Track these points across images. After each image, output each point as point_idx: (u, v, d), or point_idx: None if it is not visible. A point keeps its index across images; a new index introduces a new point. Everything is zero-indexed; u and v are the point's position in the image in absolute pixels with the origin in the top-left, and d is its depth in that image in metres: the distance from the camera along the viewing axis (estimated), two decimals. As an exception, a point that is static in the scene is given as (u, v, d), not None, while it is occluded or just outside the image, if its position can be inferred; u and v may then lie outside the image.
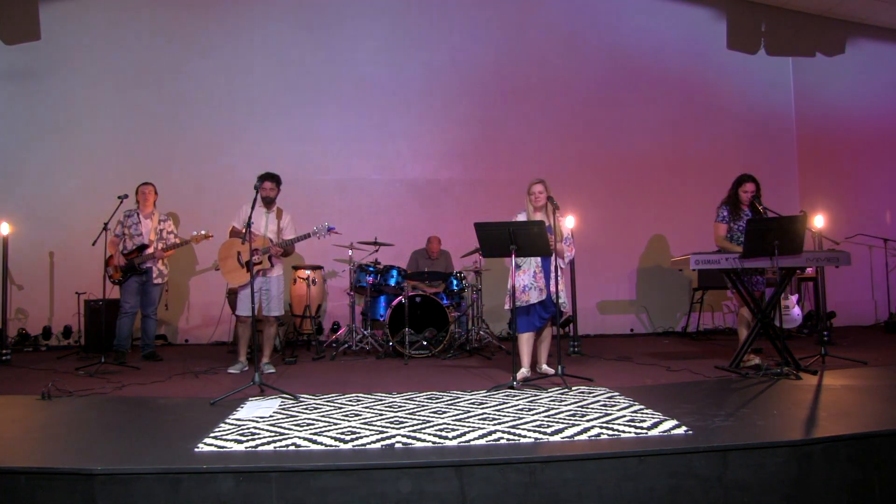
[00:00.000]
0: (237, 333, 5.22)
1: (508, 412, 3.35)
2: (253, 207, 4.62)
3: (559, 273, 4.55)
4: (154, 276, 6.03)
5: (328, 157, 7.96)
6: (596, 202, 7.90)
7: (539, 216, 4.61)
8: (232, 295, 6.57)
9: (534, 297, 4.52)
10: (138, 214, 6.05)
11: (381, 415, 3.34)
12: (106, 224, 5.62)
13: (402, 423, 3.13)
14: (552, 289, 4.53)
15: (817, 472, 2.63)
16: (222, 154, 7.71)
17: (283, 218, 5.26)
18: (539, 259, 4.54)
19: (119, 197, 5.73)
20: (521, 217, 4.67)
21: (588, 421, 3.09)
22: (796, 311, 6.30)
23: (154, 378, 4.90)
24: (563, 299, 4.57)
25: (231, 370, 5.04)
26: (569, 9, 8.37)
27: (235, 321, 5.23)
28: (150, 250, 5.94)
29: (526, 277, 4.56)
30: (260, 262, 5.00)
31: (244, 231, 4.49)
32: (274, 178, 5.18)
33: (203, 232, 5.95)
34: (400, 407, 3.55)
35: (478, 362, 5.67)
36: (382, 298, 6.67)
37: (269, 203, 5.20)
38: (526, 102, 8.25)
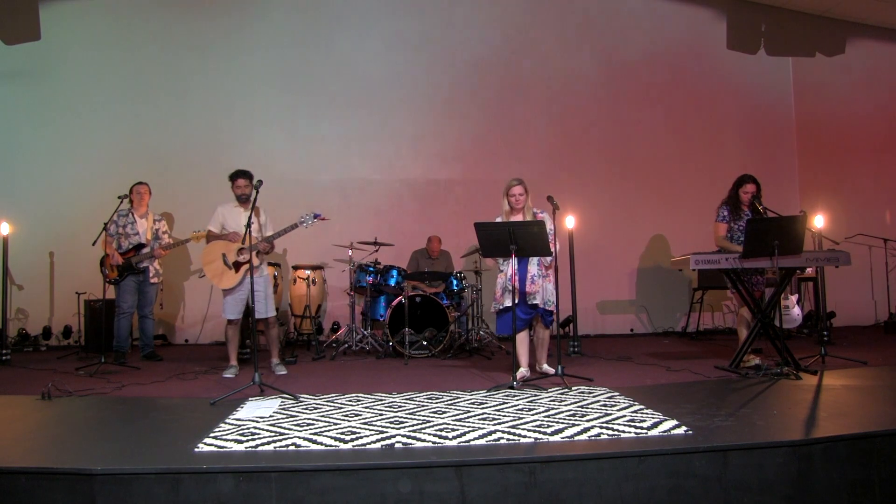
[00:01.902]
0: (227, 337, 5.16)
1: (508, 412, 3.35)
2: (252, 208, 4.61)
3: (542, 271, 4.55)
4: (151, 275, 6.03)
5: (328, 157, 7.96)
6: (596, 202, 7.90)
7: (517, 218, 4.58)
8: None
9: (508, 301, 4.51)
10: (133, 214, 6.03)
11: (381, 415, 3.34)
12: (106, 224, 5.63)
13: (402, 423, 3.13)
14: (528, 289, 4.53)
15: (817, 472, 2.63)
16: (222, 154, 7.69)
17: (261, 215, 5.19)
18: (514, 261, 4.52)
19: (119, 197, 5.75)
20: (499, 220, 4.63)
21: (588, 421, 3.09)
22: (796, 311, 6.29)
23: (154, 378, 4.90)
24: (549, 297, 4.55)
25: (225, 374, 4.96)
26: (569, 9, 8.37)
27: (225, 324, 5.17)
28: (147, 250, 5.94)
29: (504, 279, 4.58)
30: (248, 260, 4.97)
31: (246, 231, 4.46)
32: (246, 175, 5.09)
33: (203, 231, 5.95)
34: (400, 407, 3.55)
35: (478, 362, 5.66)
36: (382, 298, 6.67)
37: (244, 200, 5.10)
38: (526, 102, 8.25)
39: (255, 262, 5.00)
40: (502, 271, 4.62)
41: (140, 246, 5.95)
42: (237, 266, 4.97)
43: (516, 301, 4.47)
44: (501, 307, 4.59)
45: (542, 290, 4.56)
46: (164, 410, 3.70)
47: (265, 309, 5.07)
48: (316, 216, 4.95)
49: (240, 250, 4.95)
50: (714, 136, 8.46)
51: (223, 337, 7.21)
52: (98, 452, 2.72)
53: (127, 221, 6.00)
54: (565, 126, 8.28)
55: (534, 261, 4.55)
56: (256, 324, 4.94)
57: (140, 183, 6.16)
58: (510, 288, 4.47)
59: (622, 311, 8.21)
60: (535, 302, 4.53)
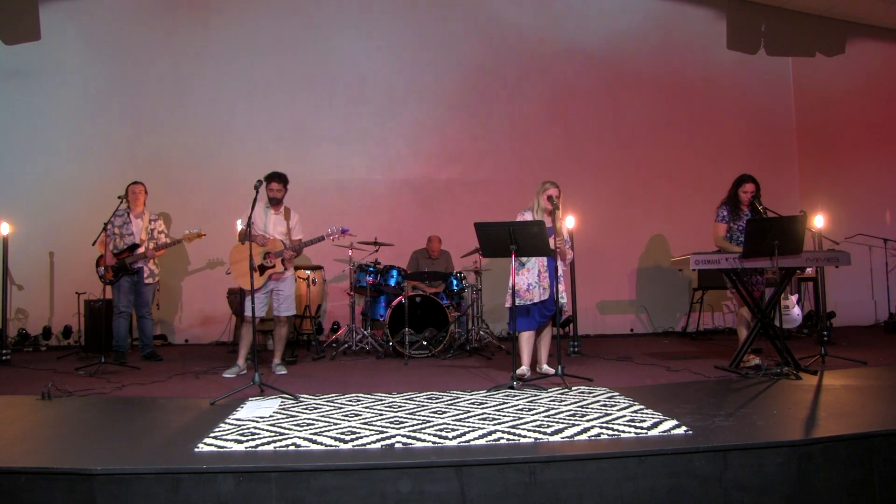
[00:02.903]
0: (239, 335, 5.17)
1: (508, 412, 3.35)
2: (252, 208, 4.60)
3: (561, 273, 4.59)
4: (145, 276, 5.99)
5: (328, 157, 7.96)
6: (596, 202, 7.90)
7: (547, 219, 4.64)
8: (233, 296, 6.57)
9: (537, 296, 4.54)
10: (129, 214, 5.98)
11: (381, 415, 3.34)
12: (106, 224, 5.62)
13: (402, 423, 3.13)
14: (556, 288, 4.55)
15: (817, 472, 2.63)
16: (222, 154, 7.71)
17: (292, 218, 5.18)
18: (544, 259, 4.55)
19: (119, 197, 5.75)
20: (527, 216, 4.66)
21: (588, 421, 3.09)
22: (796, 311, 6.29)
23: (154, 378, 4.90)
24: (565, 299, 4.61)
25: (227, 374, 4.94)
26: (568, 9, 8.37)
27: (238, 322, 5.20)
28: (142, 250, 5.90)
29: (530, 276, 4.58)
30: (273, 266, 4.97)
31: (246, 231, 4.48)
32: (280, 178, 5.06)
33: (195, 231, 5.95)
34: (400, 407, 3.55)
35: (478, 362, 5.66)
36: (382, 298, 6.66)
37: (276, 204, 5.11)
38: (526, 102, 8.25)
39: (280, 267, 5.01)
40: (525, 266, 4.60)
41: (134, 246, 5.92)
42: (262, 269, 4.97)
43: (543, 299, 4.50)
44: (529, 302, 4.57)
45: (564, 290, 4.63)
46: (164, 410, 3.70)
47: (279, 308, 5.13)
48: (344, 231, 4.99)
49: (266, 255, 4.96)
50: (714, 135, 8.47)
51: (225, 337, 7.29)
52: (98, 452, 2.72)
53: (123, 222, 5.95)
54: (565, 126, 8.28)
55: (559, 261, 4.59)
56: (264, 322, 4.96)
57: (135, 183, 6.09)
58: (542, 285, 4.52)
59: (622, 311, 8.21)
60: (563, 300, 4.58)
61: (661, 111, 8.42)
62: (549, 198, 4.58)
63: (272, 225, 5.09)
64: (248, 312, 4.99)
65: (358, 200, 7.88)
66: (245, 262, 4.99)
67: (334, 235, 5.00)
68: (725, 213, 4.97)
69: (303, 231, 5.27)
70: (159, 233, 6.11)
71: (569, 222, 6.16)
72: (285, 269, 5.07)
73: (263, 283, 4.97)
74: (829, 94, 8.65)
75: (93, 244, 5.80)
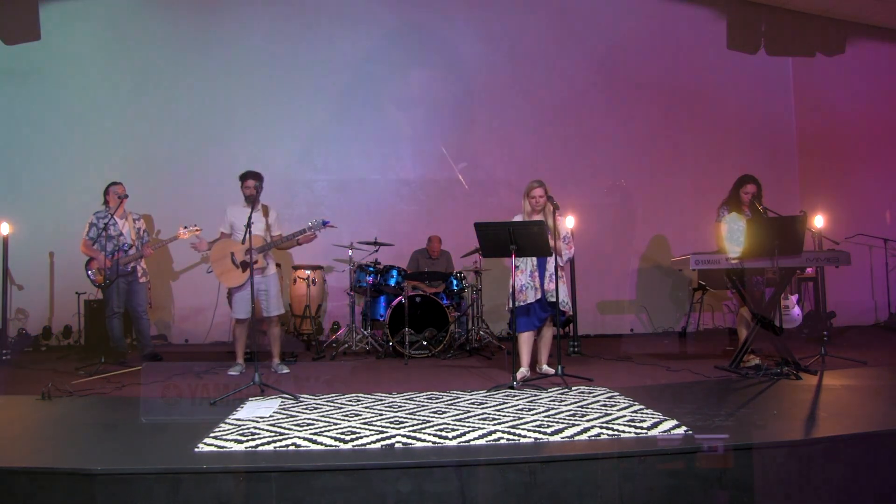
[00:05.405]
0: (234, 335, 5.21)
1: (508, 412, 3.35)
2: (253, 207, 4.61)
3: (558, 272, 4.56)
4: (139, 275, 5.98)
5: (328, 157, 7.96)
6: (596, 202, 7.90)
7: (536, 218, 4.62)
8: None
9: (531, 297, 4.54)
10: (111, 215, 5.82)
11: (380, 415, 3.34)
12: (106, 224, 5.61)
13: (402, 423, 3.13)
14: (547, 287, 4.55)
15: (817, 472, 2.63)
16: (222, 154, 7.69)
17: (270, 214, 5.21)
18: (535, 259, 4.54)
19: (119, 197, 5.74)
20: (518, 219, 4.65)
21: (588, 421, 3.09)
22: (796, 311, 6.30)
23: (154, 378, 4.89)
24: (563, 298, 4.58)
25: (231, 372, 5.04)
26: (568, 9, 8.36)
27: (233, 322, 5.21)
28: (133, 251, 5.89)
29: (523, 277, 4.58)
30: (256, 262, 4.98)
31: (245, 231, 4.47)
32: (256, 176, 5.10)
33: (192, 227, 5.94)
34: (400, 407, 3.55)
35: (478, 362, 5.67)
36: (382, 298, 6.66)
37: (252, 201, 5.13)
38: (526, 102, 8.24)
39: (262, 262, 5.02)
40: (518, 268, 4.59)
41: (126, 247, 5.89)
42: (244, 266, 4.98)
43: (537, 298, 4.50)
44: (523, 304, 4.56)
45: (560, 290, 4.59)
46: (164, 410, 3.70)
47: (267, 308, 5.14)
48: (325, 223, 4.98)
49: (247, 251, 4.98)
50: (714, 136, 8.46)
51: (223, 337, 7.29)
52: (98, 452, 2.73)
53: (109, 223, 5.78)
54: (565, 126, 8.27)
55: (551, 260, 4.57)
56: (259, 323, 4.97)
57: (117, 183, 5.95)
58: (534, 285, 4.51)
59: (622, 311, 8.20)
60: (553, 300, 4.55)
61: (661, 111, 8.41)
62: (549, 198, 4.57)
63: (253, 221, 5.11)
64: (237, 314, 5.09)
65: (358, 200, 7.88)
66: (226, 259, 5.02)
67: (315, 229, 4.99)
68: (726, 214, 4.97)
69: (281, 226, 5.27)
70: (143, 232, 6.10)
71: (569, 222, 6.16)
72: (267, 263, 5.10)
73: (246, 279, 4.98)
74: (829, 94, 8.64)
75: (93, 244, 5.78)
